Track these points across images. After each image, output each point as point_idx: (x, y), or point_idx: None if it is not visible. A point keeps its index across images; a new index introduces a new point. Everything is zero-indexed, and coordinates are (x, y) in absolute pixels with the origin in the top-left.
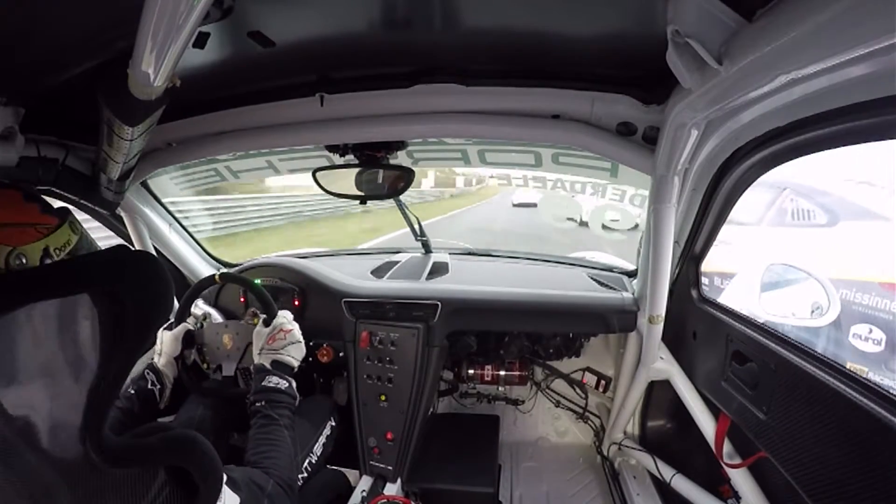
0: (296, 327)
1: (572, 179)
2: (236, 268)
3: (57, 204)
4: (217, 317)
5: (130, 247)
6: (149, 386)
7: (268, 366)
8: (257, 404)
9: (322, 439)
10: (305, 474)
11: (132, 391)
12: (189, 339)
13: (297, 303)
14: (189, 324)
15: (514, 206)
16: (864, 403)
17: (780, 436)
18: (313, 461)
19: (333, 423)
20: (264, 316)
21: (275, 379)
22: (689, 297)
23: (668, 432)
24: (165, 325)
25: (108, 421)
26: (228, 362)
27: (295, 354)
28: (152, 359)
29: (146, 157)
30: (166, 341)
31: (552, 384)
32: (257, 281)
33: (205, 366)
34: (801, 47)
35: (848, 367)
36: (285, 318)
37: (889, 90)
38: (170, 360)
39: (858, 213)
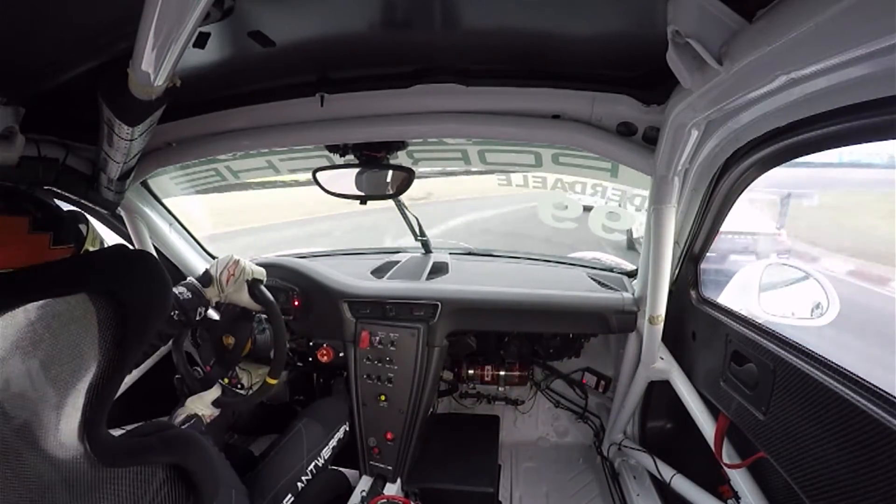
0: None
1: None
2: None
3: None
4: (214, 315)
5: (129, 246)
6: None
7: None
8: None
9: (332, 443)
10: (310, 476)
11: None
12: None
13: (296, 303)
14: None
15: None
16: (861, 404)
17: (778, 436)
18: (319, 464)
19: (347, 428)
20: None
21: None
22: (689, 298)
23: (668, 432)
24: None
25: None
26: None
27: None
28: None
29: (146, 157)
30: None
31: (552, 384)
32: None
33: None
34: (801, 47)
35: None
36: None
37: (889, 90)
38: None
39: None
